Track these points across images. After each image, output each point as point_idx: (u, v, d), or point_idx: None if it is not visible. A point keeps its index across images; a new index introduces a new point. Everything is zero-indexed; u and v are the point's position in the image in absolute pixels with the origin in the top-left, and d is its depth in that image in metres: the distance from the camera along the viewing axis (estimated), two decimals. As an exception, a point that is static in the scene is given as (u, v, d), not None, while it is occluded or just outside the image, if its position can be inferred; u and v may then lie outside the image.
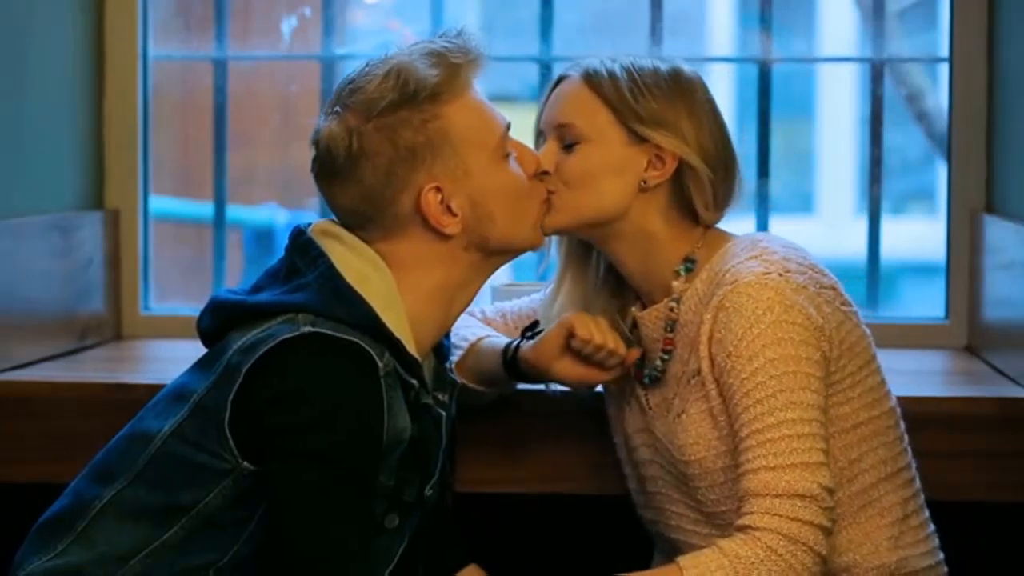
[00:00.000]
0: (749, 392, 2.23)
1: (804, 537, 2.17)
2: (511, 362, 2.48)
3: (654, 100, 2.35)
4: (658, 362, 2.40)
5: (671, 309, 2.37)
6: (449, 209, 2.23)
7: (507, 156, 2.28)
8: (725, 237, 2.40)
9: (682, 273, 2.37)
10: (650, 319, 2.40)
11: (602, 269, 2.47)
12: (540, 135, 2.42)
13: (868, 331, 2.36)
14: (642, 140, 2.35)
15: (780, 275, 2.27)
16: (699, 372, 2.31)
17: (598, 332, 2.39)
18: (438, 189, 2.23)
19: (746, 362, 2.23)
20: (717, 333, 2.27)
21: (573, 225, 2.37)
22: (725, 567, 2.16)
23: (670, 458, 2.38)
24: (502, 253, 2.32)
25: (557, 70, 3.38)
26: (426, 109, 2.22)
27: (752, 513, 2.18)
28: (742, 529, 2.19)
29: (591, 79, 2.37)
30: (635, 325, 2.44)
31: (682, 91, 2.37)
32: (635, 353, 2.42)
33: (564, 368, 2.44)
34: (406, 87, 2.21)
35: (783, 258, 2.30)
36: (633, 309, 2.45)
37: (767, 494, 2.18)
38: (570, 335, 2.40)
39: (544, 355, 2.43)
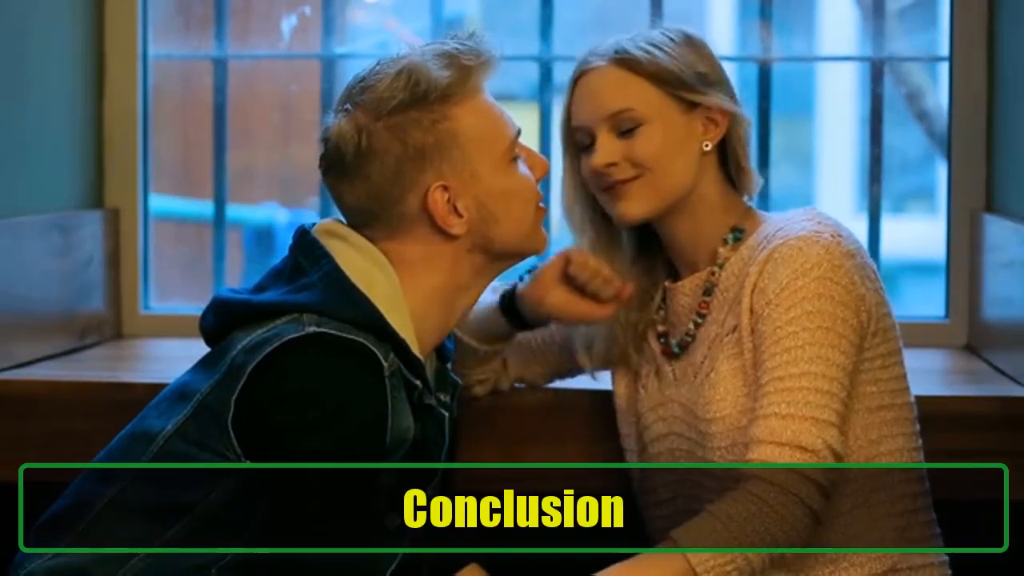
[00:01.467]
0: (780, 340, 2.23)
1: (797, 489, 2.16)
2: (508, 304, 2.48)
3: (688, 65, 2.36)
4: (691, 326, 2.39)
5: (712, 273, 2.37)
6: (455, 210, 2.24)
7: (515, 160, 2.28)
8: (765, 215, 2.42)
9: (730, 242, 2.38)
10: (688, 288, 2.40)
11: (631, 253, 2.47)
12: (575, 132, 2.40)
13: (896, 322, 2.37)
14: (693, 106, 2.36)
15: (832, 236, 2.29)
16: (736, 329, 2.31)
17: (594, 260, 2.40)
18: (445, 188, 2.23)
19: (783, 311, 2.24)
20: (761, 283, 2.28)
21: (657, 209, 2.37)
22: (718, 530, 2.14)
23: (692, 421, 2.37)
24: (505, 257, 2.31)
25: (557, 69, 3.40)
26: (436, 110, 2.22)
27: (752, 460, 2.18)
28: (739, 477, 2.18)
29: (627, 62, 2.36)
30: (663, 300, 2.44)
31: (700, 48, 2.40)
32: (629, 287, 2.42)
33: (559, 299, 2.43)
34: (417, 87, 2.21)
35: (835, 224, 2.33)
36: (666, 282, 2.45)
37: (770, 441, 2.18)
38: (567, 262, 2.40)
39: (540, 286, 2.44)
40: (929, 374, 3.10)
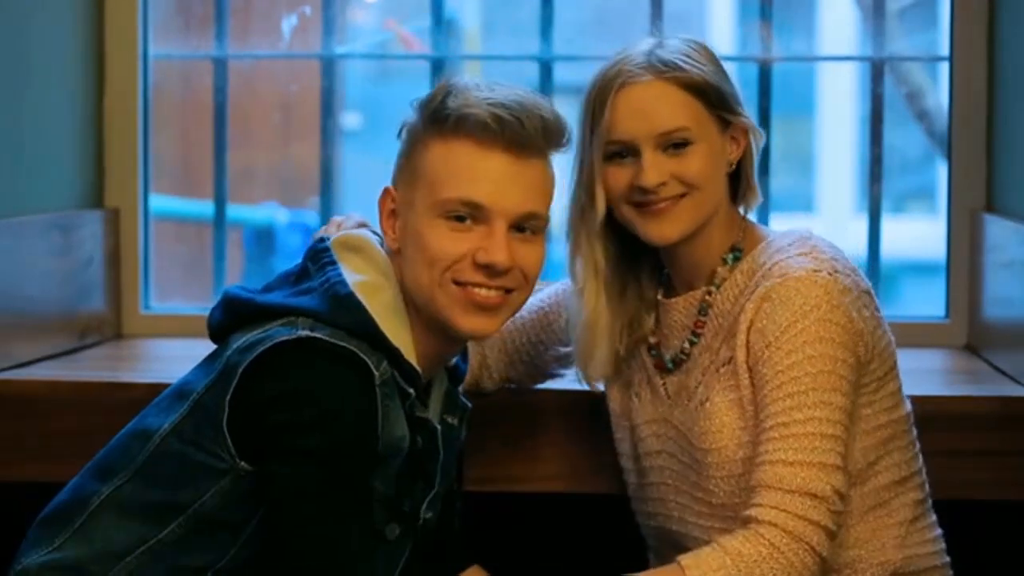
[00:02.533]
0: (782, 385, 2.22)
1: (808, 536, 2.16)
2: None
3: (725, 82, 2.34)
4: (685, 344, 2.39)
5: (708, 293, 2.36)
6: (394, 224, 2.24)
7: (445, 218, 2.19)
8: (761, 231, 2.40)
9: (729, 262, 2.36)
10: (681, 305, 2.39)
11: (619, 278, 2.42)
12: (609, 144, 2.32)
13: (892, 337, 2.37)
14: (727, 124, 2.34)
15: (830, 274, 2.26)
16: (731, 361, 2.30)
17: None
18: (393, 199, 2.25)
19: (784, 355, 2.23)
20: (759, 322, 2.27)
21: (692, 229, 2.33)
22: (727, 565, 2.15)
23: (686, 446, 2.37)
24: (424, 311, 2.24)
25: (557, 69, 3.40)
26: (427, 128, 2.22)
27: (761, 505, 2.18)
28: (748, 520, 2.18)
29: (678, 78, 2.31)
30: (656, 313, 2.44)
31: (718, 61, 2.37)
32: None
33: None
34: (428, 98, 2.22)
35: (832, 258, 2.30)
36: (659, 295, 2.44)
37: (779, 488, 2.18)
38: None
39: None
40: (929, 374, 3.10)
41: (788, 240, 2.34)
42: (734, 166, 2.37)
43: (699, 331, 2.37)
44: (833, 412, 2.21)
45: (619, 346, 2.44)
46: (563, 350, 2.52)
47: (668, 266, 2.42)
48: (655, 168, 2.30)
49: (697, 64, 2.32)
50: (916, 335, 3.35)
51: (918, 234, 3.84)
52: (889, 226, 3.44)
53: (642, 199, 2.32)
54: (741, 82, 3.54)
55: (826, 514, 2.17)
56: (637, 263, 2.44)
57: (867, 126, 3.46)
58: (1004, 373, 2.98)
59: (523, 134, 2.18)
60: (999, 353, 3.08)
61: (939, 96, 3.60)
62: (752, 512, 2.19)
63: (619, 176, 2.33)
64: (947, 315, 3.39)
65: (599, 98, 2.33)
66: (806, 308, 2.24)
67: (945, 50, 3.40)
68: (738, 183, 2.39)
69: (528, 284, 2.24)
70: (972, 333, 3.32)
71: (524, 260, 2.22)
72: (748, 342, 2.28)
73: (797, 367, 2.22)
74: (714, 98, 2.32)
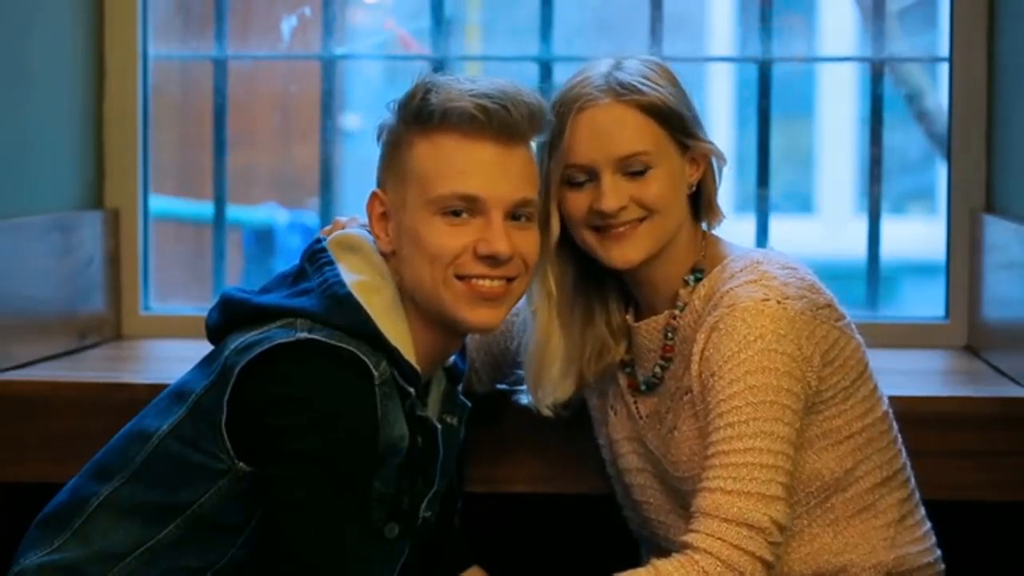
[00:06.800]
0: (723, 414, 2.21)
1: (742, 567, 2.15)
2: None
3: (684, 106, 2.32)
4: (657, 369, 2.38)
5: (673, 317, 2.36)
6: (386, 227, 2.24)
7: (441, 214, 2.20)
8: (723, 249, 2.38)
9: (691, 283, 2.35)
10: (648, 329, 2.39)
11: (583, 309, 2.41)
12: (568, 168, 2.31)
13: (861, 340, 2.35)
14: (685, 148, 2.33)
15: (778, 302, 2.25)
16: (690, 391, 2.30)
17: None
18: (382, 202, 2.24)
19: (726, 384, 2.22)
20: (707, 352, 2.26)
21: (653, 251, 2.32)
22: None
23: (662, 471, 2.37)
24: (425, 308, 2.24)
25: (557, 69, 3.40)
26: (410, 126, 2.22)
27: (697, 532, 2.17)
28: (684, 546, 2.18)
29: (638, 102, 2.29)
30: (628, 335, 2.43)
31: (678, 81, 2.35)
32: None
33: None
34: (408, 97, 2.22)
35: (782, 283, 2.28)
36: (628, 318, 2.44)
37: (716, 516, 2.17)
38: None
39: None
40: (929, 374, 3.11)
41: (740, 265, 2.32)
42: (695, 187, 2.35)
43: (668, 355, 2.37)
44: (774, 442, 2.19)
45: (588, 373, 2.43)
46: None
47: (633, 288, 2.41)
48: (614, 192, 2.28)
49: (656, 86, 2.30)
50: (916, 335, 3.35)
51: (918, 234, 3.84)
52: (889, 226, 3.44)
53: (601, 223, 2.31)
54: (741, 82, 3.55)
55: (762, 545, 2.16)
56: (602, 287, 2.43)
57: (867, 126, 3.46)
58: (1004, 374, 2.98)
59: (510, 121, 2.19)
60: (999, 354, 3.08)
61: (939, 96, 3.60)
62: (688, 538, 2.18)
63: (578, 201, 2.32)
64: (947, 316, 3.38)
65: (558, 121, 2.31)
66: (750, 338, 2.23)
67: (945, 51, 3.40)
68: (699, 202, 2.37)
69: (528, 271, 2.26)
70: (972, 334, 3.32)
71: (523, 247, 2.23)
72: (700, 372, 2.27)
73: (738, 397, 2.21)
74: (673, 121, 2.30)
